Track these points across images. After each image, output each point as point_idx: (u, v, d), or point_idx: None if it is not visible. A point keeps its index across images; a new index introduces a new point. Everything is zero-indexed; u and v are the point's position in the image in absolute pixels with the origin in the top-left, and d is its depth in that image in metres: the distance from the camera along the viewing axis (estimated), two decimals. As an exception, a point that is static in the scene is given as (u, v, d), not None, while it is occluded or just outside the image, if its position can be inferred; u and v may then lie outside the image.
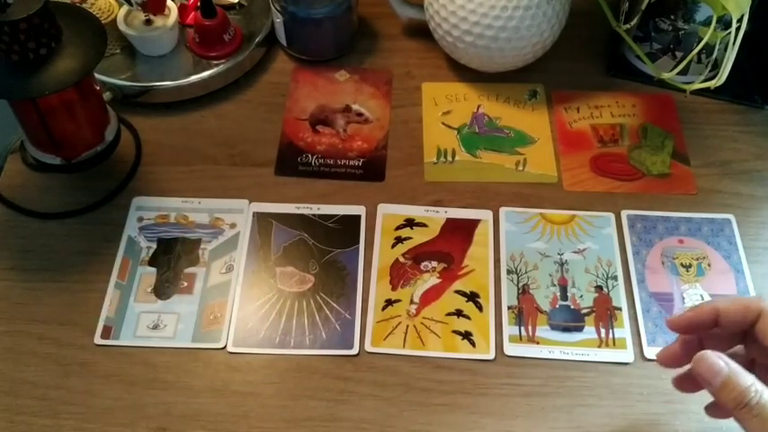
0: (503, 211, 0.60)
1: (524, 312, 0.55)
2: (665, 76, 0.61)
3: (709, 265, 0.57)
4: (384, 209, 0.60)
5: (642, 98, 0.68)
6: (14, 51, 0.50)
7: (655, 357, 0.52)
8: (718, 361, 0.38)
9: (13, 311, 0.54)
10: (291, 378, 0.52)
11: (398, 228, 0.59)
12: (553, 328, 0.54)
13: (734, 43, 0.55)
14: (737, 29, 0.55)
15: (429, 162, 0.63)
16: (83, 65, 0.52)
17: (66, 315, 0.54)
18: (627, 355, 0.53)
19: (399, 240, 0.58)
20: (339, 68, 0.70)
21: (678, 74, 0.61)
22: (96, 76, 0.61)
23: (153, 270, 0.57)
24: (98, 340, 0.53)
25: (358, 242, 0.58)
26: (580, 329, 0.54)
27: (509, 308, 0.55)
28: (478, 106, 0.67)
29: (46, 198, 0.60)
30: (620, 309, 0.55)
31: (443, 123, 0.66)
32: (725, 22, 0.60)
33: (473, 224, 0.59)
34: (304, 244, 0.58)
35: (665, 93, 0.67)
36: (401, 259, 0.57)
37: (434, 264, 0.57)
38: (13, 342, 0.53)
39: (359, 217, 0.59)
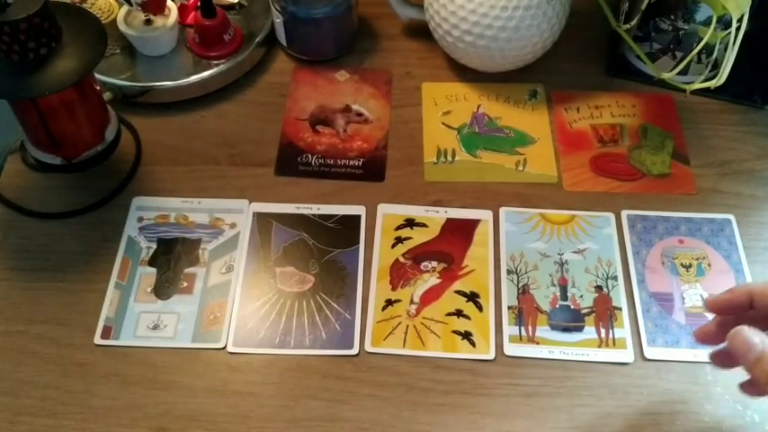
0: (503, 211, 0.60)
1: (524, 312, 0.55)
2: (665, 76, 0.61)
3: (709, 265, 0.57)
4: (384, 209, 0.60)
5: (642, 98, 0.68)
6: (14, 51, 0.50)
7: (652, 356, 0.52)
8: (753, 337, 0.39)
9: (13, 311, 0.55)
10: (291, 378, 0.52)
11: (398, 228, 0.59)
12: (553, 328, 0.54)
13: (734, 43, 0.55)
14: (737, 29, 0.55)
15: (429, 162, 0.63)
16: (83, 65, 0.52)
17: (66, 315, 0.54)
18: (627, 355, 0.53)
19: (399, 240, 0.58)
20: (339, 68, 0.70)
21: (678, 74, 0.61)
22: (96, 76, 0.61)
23: (153, 270, 0.57)
24: (98, 340, 0.53)
25: (358, 242, 0.58)
26: (580, 329, 0.54)
27: (509, 308, 0.55)
28: (478, 106, 0.67)
29: (46, 198, 0.60)
30: (620, 309, 0.55)
31: (443, 123, 0.66)
32: (725, 22, 0.60)
33: (473, 224, 0.59)
34: (304, 244, 0.58)
35: (665, 93, 0.67)
36: (401, 259, 0.57)
37: (434, 264, 0.57)
38: (13, 342, 0.53)
39: (359, 217, 0.59)
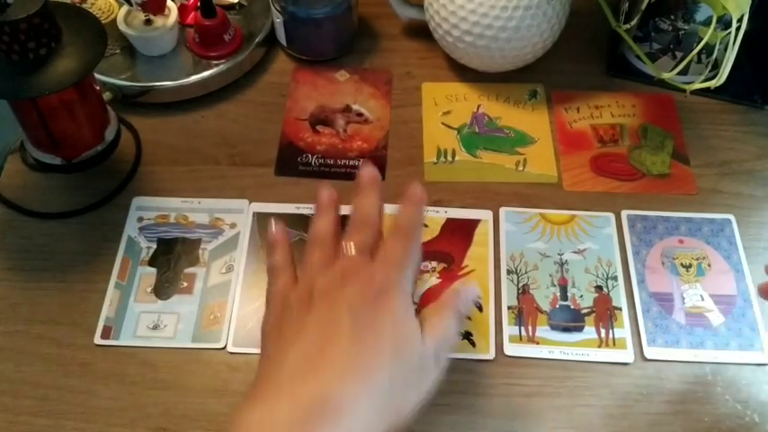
0: (503, 211, 0.60)
1: (524, 312, 0.55)
2: (665, 76, 0.61)
3: (709, 266, 0.57)
4: (384, 209, 0.60)
5: (642, 98, 0.68)
6: (14, 51, 0.50)
7: (652, 356, 0.52)
8: None
9: (13, 311, 0.55)
10: (291, 378, 0.52)
11: (398, 228, 0.59)
12: (553, 328, 0.54)
13: (734, 43, 0.55)
14: (737, 29, 0.55)
15: (429, 162, 0.63)
16: (83, 65, 0.52)
17: (67, 315, 0.54)
18: (627, 355, 0.53)
19: (399, 240, 0.58)
20: (339, 68, 0.70)
21: (678, 74, 0.61)
22: (96, 76, 0.61)
23: (153, 270, 0.57)
24: (98, 340, 0.53)
25: (358, 242, 0.58)
26: (580, 329, 0.54)
27: (509, 308, 0.55)
28: (478, 106, 0.67)
29: (46, 198, 0.60)
30: (620, 309, 0.55)
31: (443, 123, 0.66)
32: (725, 22, 0.60)
33: (473, 224, 0.59)
34: (304, 244, 0.58)
35: (665, 93, 0.67)
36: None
37: (434, 264, 0.57)
38: (13, 342, 0.53)
39: (359, 217, 0.59)
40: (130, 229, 0.59)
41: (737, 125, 0.66)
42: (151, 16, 0.65)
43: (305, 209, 0.60)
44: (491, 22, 0.61)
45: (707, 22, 0.62)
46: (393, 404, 0.40)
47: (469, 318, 0.54)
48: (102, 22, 0.58)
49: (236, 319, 0.54)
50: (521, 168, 0.63)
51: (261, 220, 0.59)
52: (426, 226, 0.59)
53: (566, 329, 0.54)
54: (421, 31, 0.70)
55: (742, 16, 0.55)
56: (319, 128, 0.65)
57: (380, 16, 0.73)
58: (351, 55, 0.71)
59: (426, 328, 0.42)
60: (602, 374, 0.52)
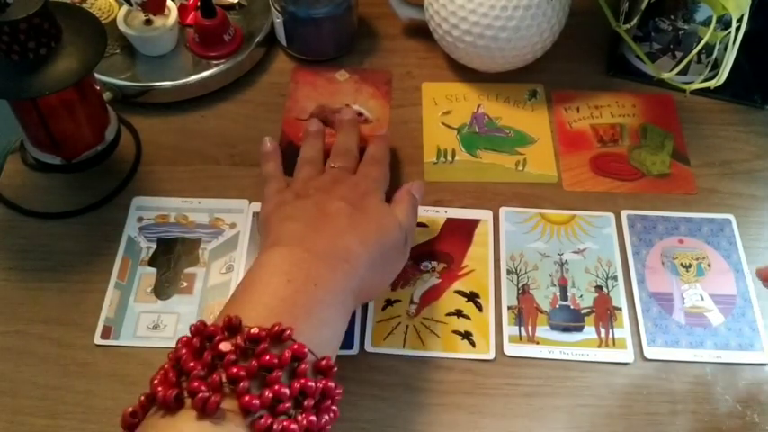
0: (503, 211, 0.60)
1: (524, 312, 0.55)
2: (665, 76, 0.61)
3: (709, 265, 0.57)
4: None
5: (642, 98, 0.68)
6: (14, 51, 0.50)
7: (652, 356, 0.52)
8: None
9: (13, 311, 0.55)
10: (291, 378, 0.52)
11: (398, 228, 0.59)
12: (553, 328, 0.54)
13: (734, 43, 0.55)
14: (737, 29, 0.55)
15: (429, 162, 0.63)
16: (83, 65, 0.52)
17: (67, 315, 0.54)
18: (627, 355, 0.53)
19: (399, 240, 0.58)
20: (339, 68, 0.70)
21: (678, 74, 0.61)
22: (96, 76, 0.61)
23: (153, 270, 0.57)
24: (98, 340, 0.53)
25: (358, 242, 0.58)
26: (580, 329, 0.54)
27: (509, 308, 0.55)
28: (478, 106, 0.67)
29: (46, 198, 0.60)
30: (619, 309, 0.55)
31: (443, 123, 0.66)
32: (725, 22, 0.60)
33: (473, 224, 0.59)
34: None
35: (665, 93, 0.68)
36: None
37: (434, 264, 0.57)
38: (13, 342, 0.53)
39: (359, 217, 0.59)
40: (130, 229, 0.59)
41: (737, 125, 0.66)
42: (151, 16, 0.65)
43: (305, 209, 0.60)
44: (491, 22, 0.61)
45: (707, 22, 0.62)
46: (378, 270, 0.48)
47: (469, 318, 0.54)
48: (102, 22, 0.58)
49: (236, 319, 0.54)
50: (521, 168, 0.63)
51: (261, 220, 0.59)
52: (426, 226, 0.59)
53: (566, 329, 0.54)
54: (421, 31, 0.70)
55: (742, 16, 0.55)
56: None
57: (380, 16, 0.73)
58: (351, 55, 0.71)
59: (399, 219, 0.51)
60: (602, 374, 0.52)
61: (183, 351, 0.38)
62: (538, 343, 0.53)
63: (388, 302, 0.55)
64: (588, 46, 0.72)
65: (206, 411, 0.35)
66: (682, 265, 0.57)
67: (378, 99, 0.67)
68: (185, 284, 0.56)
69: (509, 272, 0.57)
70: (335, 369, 0.40)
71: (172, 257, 0.57)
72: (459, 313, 0.54)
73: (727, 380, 0.52)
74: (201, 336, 0.39)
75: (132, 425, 0.38)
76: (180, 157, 0.63)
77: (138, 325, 0.54)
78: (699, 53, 0.63)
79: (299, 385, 0.37)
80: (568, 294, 0.56)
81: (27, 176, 0.61)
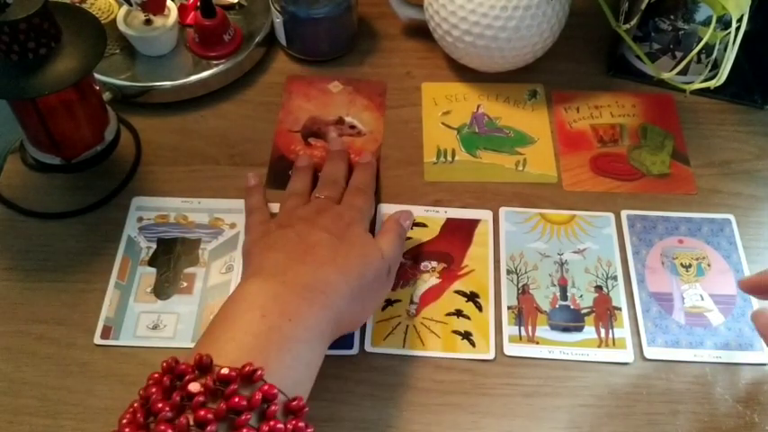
0: (503, 211, 0.60)
1: (524, 312, 0.55)
2: (665, 76, 0.61)
3: (708, 265, 0.57)
4: (384, 209, 0.60)
5: (642, 98, 0.68)
6: (14, 51, 0.50)
7: (652, 356, 0.52)
8: None
9: (13, 311, 0.55)
10: (291, 378, 0.52)
11: (398, 228, 0.59)
12: (553, 328, 0.54)
13: (734, 43, 0.55)
14: (737, 29, 0.55)
15: (429, 162, 0.63)
16: (83, 65, 0.52)
17: (67, 315, 0.54)
18: (627, 355, 0.53)
19: (399, 240, 0.58)
20: (333, 79, 0.69)
21: (678, 74, 0.61)
22: (96, 76, 0.61)
23: (153, 270, 0.57)
24: (98, 340, 0.53)
25: (358, 242, 0.58)
26: (580, 329, 0.54)
27: (509, 308, 0.55)
28: (478, 106, 0.67)
29: (46, 198, 0.60)
30: (619, 309, 0.55)
31: (443, 123, 0.66)
32: (725, 22, 0.60)
33: (473, 224, 0.59)
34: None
35: (665, 93, 0.68)
36: (401, 259, 0.57)
37: (434, 264, 0.57)
38: (13, 342, 0.53)
39: (359, 217, 0.59)
40: (130, 228, 0.59)
41: (737, 125, 0.66)
42: (151, 16, 0.65)
43: (305, 209, 0.60)
44: (491, 22, 0.61)
45: (707, 22, 0.62)
46: (359, 301, 0.48)
47: (469, 318, 0.54)
48: (102, 22, 0.58)
49: (235, 319, 0.54)
50: (520, 168, 0.63)
51: (261, 220, 0.59)
52: (426, 226, 0.59)
53: (565, 329, 0.54)
54: (421, 31, 0.70)
55: (742, 16, 0.55)
56: (311, 140, 0.65)
57: (380, 16, 0.73)
58: (351, 55, 0.71)
59: (382, 250, 0.51)
60: (602, 374, 0.52)
61: (153, 390, 0.38)
62: (538, 343, 0.53)
63: (388, 302, 0.55)
64: (588, 46, 0.72)
65: None
66: (682, 265, 0.57)
67: (371, 111, 0.67)
68: (185, 284, 0.56)
69: (509, 272, 0.57)
70: (306, 410, 0.40)
71: (172, 257, 0.57)
72: (459, 313, 0.54)
73: (727, 380, 0.52)
74: (172, 374, 0.38)
75: None
76: (180, 157, 0.63)
77: (137, 325, 0.54)
78: (699, 53, 0.63)
79: (267, 428, 0.37)
80: (568, 294, 0.55)
81: (27, 176, 0.61)
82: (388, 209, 0.60)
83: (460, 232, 0.59)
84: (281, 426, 0.37)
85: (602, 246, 0.58)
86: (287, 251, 0.48)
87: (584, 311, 0.55)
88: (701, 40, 0.62)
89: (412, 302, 0.55)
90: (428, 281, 0.56)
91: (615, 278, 0.56)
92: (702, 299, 0.55)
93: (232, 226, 0.59)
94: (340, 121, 0.66)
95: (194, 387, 0.37)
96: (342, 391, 0.51)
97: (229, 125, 0.66)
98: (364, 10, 0.73)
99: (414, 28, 0.72)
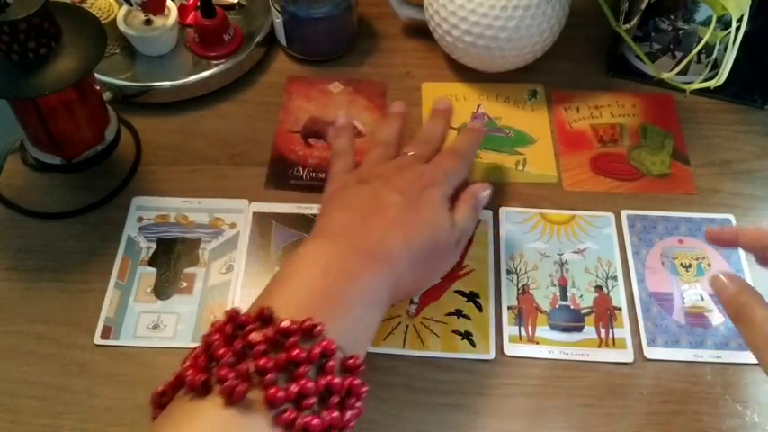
0: (503, 211, 0.60)
1: (524, 312, 0.55)
2: (665, 76, 0.61)
3: (708, 265, 0.57)
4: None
5: (642, 98, 0.68)
6: (14, 51, 0.50)
7: (652, 356, 0.52)
8: (725, 280, 0.46)
9: (13, 311, 0.55)
10: (291, 378, 0.52)
11: (398, 228, 0.59)
12: (553, 328, 0.54)
13: (734, 43, 0.55)
14: (737, 29, 0.55)
15: (429, 162, 0.63)
16: (83, 65, 0.52)
17: (67, 315, 0.54)
18: (627, 354, 0.53)
19: (399, 240, 0.58)
20: (333, 80, 0.69)
21: (678, 74, 0.61)
22: (96, 76, 0.61)
23: (153, 270, 0.57)
24: (98, 340, 0.53)
25: (358, 242, 0.58)
26: (580, 329, 0.54)
27: (509, 308, 0.55)
28: (478, 106, 0.67)
29: (46, 198, 0.60)
30: (619, 309, 0.55)
31: (443, 123, 0.66)
32: (725, 22, 0.60)
33: (473, 224, 0.59)
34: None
35: (665, 93, 0.68)
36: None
37: (434, 264, 0.57)
38: (13, 342, 0.53)
39: (359, 217, 0.59)
40: (130, 228, 0.59)
41: (737, 125, 0.66)
42: (151, 16, 0.65)
43: (305, 208, 0.60)
44: (491, 22, 0.61)
45: (707, 22, 0.62)
46: (421, 270, 0.48)
47: (469, 318, 0.54)
48: (102, 22, 0.58)
49: (236, 319, 0.54)
50: (521, 168, 0.63)
51: (260, 220, 0.59)
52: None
53: (565, 329, 0.54)
54: (421, 31, 0.70)
55: (742, 16, 0.55)
56: (311, 141, 0.65)
57: (380, 16, 0.73)
58: (351, 55, 0.71)
59: (454, 220, 0.50)
60: (602, 374, 0.52)
61: (216, 336, 0.38)
62: (538, 343, 0.53)
63: (388, 302, 0.55)
64: (588, 46, 0.72)
65: (232, 399, 0.35)
66: (682, 265, 0.57)
67: (372, 111, 0.67)
68: (185, 284, 0.56)
69: (509, 272, 0.57)
70: (363, 368, 0.40)
71: (172, 257, 0.57)
72: (459, 313, 0.54)
73: (727, 380, 0.52)
74: (234, 323, 0.39)
75: (161, 404, 0.39)
76: (180, 157, 0.63)
77: (137, 325, 0.54)
78: (699, 53, 0.63)
79: (324, 382, 0.37)
80: (568, 294, 0.56)
81: (27, 176, 0.61)
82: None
83: (460, 232, 0.59)
84: (337, 380, 0.38)
85: (602, 246, 0.58)
86: (356, 211, 0.48)
87: (584, 311, 0.55)
88: (700, 40, 0.62)
89: (412, 302, 0.55)
90: (428, 281, 0.56)
91: (615, 278, 0.56)
92: (702, 299, 0.55)
93: (232, 226, 0.59)
94: None
95: (255, 337, 0.37)
96: (342, 391, 0.51)
97: (229, 125, 0.66)
98: (364, 10, 0.73)
99: (414, 28, 0.72)
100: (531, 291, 0.56)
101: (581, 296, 0.55)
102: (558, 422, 0.50)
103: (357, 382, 0.39)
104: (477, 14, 0.61)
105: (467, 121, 0.66)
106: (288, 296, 0.41)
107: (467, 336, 0.53)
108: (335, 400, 0.38)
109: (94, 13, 0.63)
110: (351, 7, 0.67)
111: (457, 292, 0.56)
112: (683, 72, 0.64)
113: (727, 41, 0.56)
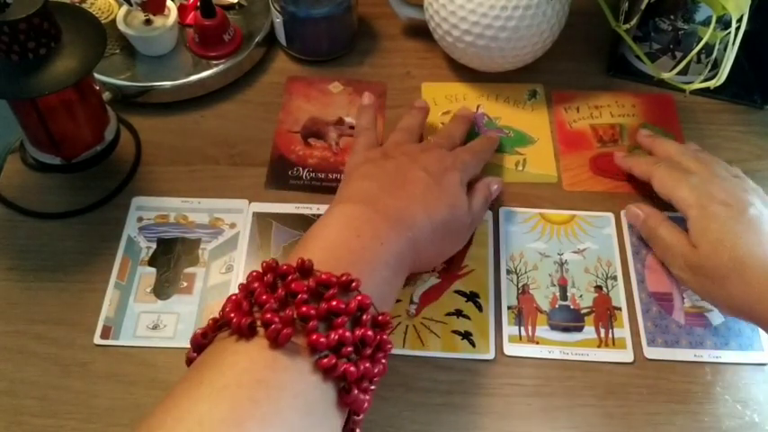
0: (503, 211, 0.60)
1: (524, 312, 0.55)
2: (665, 76, 0.61)
3: (708, 265, 0.57)
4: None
5: (642, 98, 0.68)
6: (14, 51, 0.50)
7: (652, 356, 0.52)
8: (636, 209, 0.57)
9: (13, 311, 0.55)
10: (291, 378, 0.52)
11: (398, 228, 0.59)
12: (553, 328, 0.54)
13: (733, 43, 0.55)
14: (737, 29, 0.55)
15: (429, 162, 0.63)
16: (83, 65, 0.52)
17: (67, 315, 0.54)
18: (626, 354, 0.53)
19: (399, 240, 0.58)
20: (333, 80, 0.69)
21: (678, 74, 0.61)
22: (96, 76, 0.61)
23: (153, 270, 0.57)
24: (98, 340, 0.53)
25: (358, 242, 0.58)
26: (580, 329, 0.54)
27: (509, 308, 0.55)
28: (478, 106, 0.67)
29: (46, 198, 0.60)
30: (619, 309, 0.55)
31: (443, 123, 0.66)
32: (725, 22, 0.60)
33: (473, 224, 0.59)
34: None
35: (665, 93, 0.68)
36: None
37: (434, 264, 0.57)
38: (13, 342, 0.53)
39: (359, 217, 0.59)
40: (130, 228, 0.59)
41: (737, 125, 0.66)
42: (151, 16, 0.65)
43: (305, 209, 0.60)
44: (491, 22, 0.61)
45: (707, 22, 0.62)
46: (436, 246, 0.50)
47: (469, 318, 0.54)
48: (102, 22, 0.58)
49: (235, 319, 0.54)
50: (520, 168, 0.63)
51: (260, 220, 0.59)
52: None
53: (565, 329, 0.54)
54: (421, 31, 0.70)
55: (742, 16, 0.55)
56: (311, 141, 0.65)
57: (380, 16, 0.73)
58: (350, 55, 0.71)
59: (470, 204, 0.53)
60: (602, 374, 0.52)
61: (256, 284, 0.40)
62: (538, 343, 0.53)
63: (388, 302, 0.55)
64: (588, 46, 0.72)
65: (278, 342, 0.37)
66: (682, 265, 0.57)
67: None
68: (185, 284, 0.56)
69: (509, 272, 0.57)
70: (392, 325, 0.42)
71: (172, 257, 0.57)
72: (458, 313, 0.54)
73: (727, 380, 0.52)
74: (274, 273, 0.40)
75: (202, 345, 0.40)
76: (180, 157, 0.63)
77: (137, 325, 0.54)
78: (699, 53, 0.63)
79: (360, 333, 0.39)
80: (568, 294, 0.56)
81: (27, 176, 0.61)
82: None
83: (460, 232, 0.59)
84: (371, 334, 0.39)
85: (601, 246, 0.58)
86: (381, 182, 0.50)
87: (584, 311, 0.55)
88: (700, 40, 0.62)
89: (412, 302, 0.55)
90: (428, 281, 0.56)
91: (615, 278, 0.56)
92: (702, 298, 0.55)
93: (232, 226, 0.59)
94: (340, 122, 0.66)
95: (298, 286, 0.39)
96: (342, 391, 0.51)
97: (229, 125, 0.66)
98: (364, 10, 0.73)
99: (414, 28, 0.72)
100: (530, 291, 0.56)
101: (581, 296, 0.55)
102: (558, 422, 0.50)
103: (385, 337, 0.41)
104: (476, 14, 0.61)
105: (467, 121, 0.66)
106: (325, 251, 0.43)
107: (467, 336, 0.53)
108: (368, 351, 0.40)
109: (94, 13, 0.63)
110: (351, 7, 0.67)
111: (457, 292, 0.56)
112: (683, 72, 0.64)
113: (727, 41, 0.56)
